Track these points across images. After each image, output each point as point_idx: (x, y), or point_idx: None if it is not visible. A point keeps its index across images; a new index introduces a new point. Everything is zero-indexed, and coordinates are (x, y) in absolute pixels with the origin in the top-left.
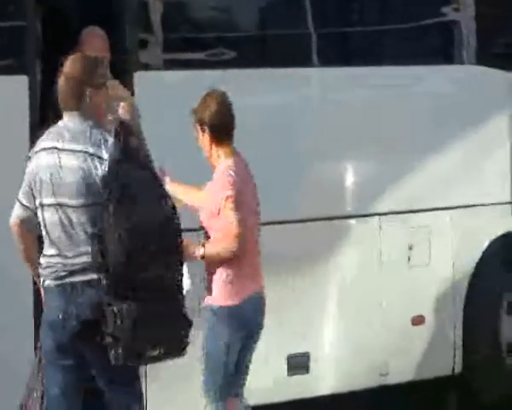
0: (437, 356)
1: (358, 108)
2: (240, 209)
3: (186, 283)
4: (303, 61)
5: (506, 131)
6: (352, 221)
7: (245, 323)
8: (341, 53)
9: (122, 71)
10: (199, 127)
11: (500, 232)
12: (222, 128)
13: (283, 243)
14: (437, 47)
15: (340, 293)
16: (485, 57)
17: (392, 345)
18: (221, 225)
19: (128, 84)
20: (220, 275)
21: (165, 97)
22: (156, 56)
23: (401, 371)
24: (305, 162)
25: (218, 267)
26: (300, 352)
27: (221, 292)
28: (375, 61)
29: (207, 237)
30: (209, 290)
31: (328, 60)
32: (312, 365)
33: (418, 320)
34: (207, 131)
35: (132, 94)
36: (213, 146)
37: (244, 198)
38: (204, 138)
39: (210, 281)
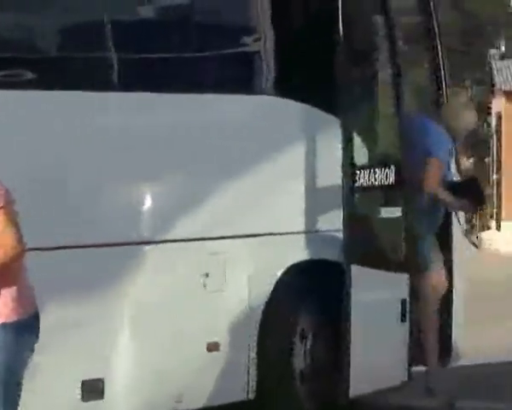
0: (231, 382)
1: (151, 134)
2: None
3: None
4: (100, 85)
5: (299, 161)
6: (149, 247)
7: (27, 340)
8: (134, 78)
9: None
10: None
11: (293, 261)
12: None
13: (80, 267)
14: (233, 76)
15: (135, 318)
16: (281, 88)
17: (187, 371)
18: None
19: None
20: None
21: None
22: None
23: (196, 398)
24: (99, 187)
25: None
26: (95, 377)
27: (5, 308)
28: (168, 88)
29: None
30: None
31: (123, 85)
32: (107, 390)
33: (213, 347)
34: None
35: None
36: None
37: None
38: None
39: None
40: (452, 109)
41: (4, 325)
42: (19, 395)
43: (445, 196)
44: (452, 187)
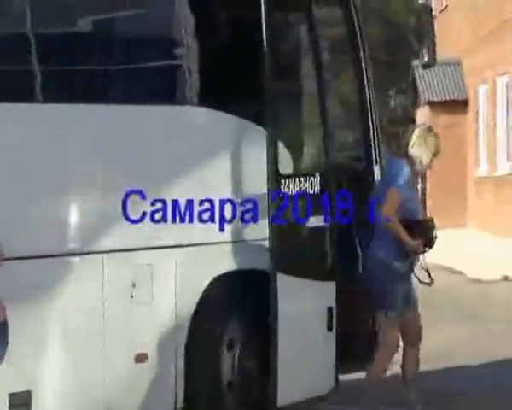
0: (159, 393)
1: (76, 146)
2: None
3: None
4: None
5: (225, 171)
6: (75, 258)
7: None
8: (62, 90)
9: None
10: None
11: (221, 271)
12: None
13: (5, 279)
14: (158, 87)
15: (62, 330)
16: (209, 99)
17: (116, 383)
18: None
19: None
20: None
21: None
22: None
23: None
24: (24, 199)
25: None
26: (22, 390)
27: None
28: (94, 99)
29: None
30: None
31: (47, 97)
32: (35, 403)
33: (141, 358)
34: None
35: None
36: None
37: None
38: None
39: None
40: (415, 140)
41: None
42: None
43: (397, 227)
44: (409, 224)
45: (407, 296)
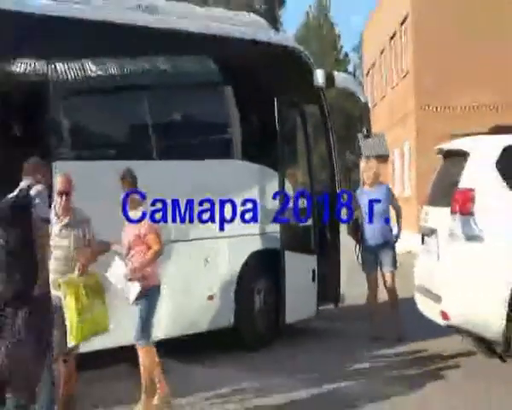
0: (222, 316)
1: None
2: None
3: None
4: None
5: (255, 196)
6: (196, 242)
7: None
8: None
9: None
10: None
11: (254, 250)
12: None
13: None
14: (210, 144)
15: (181, 284)
16: (246, 153)
17: (200, 310)
18: None
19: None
20: None
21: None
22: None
23: (201, 325)
24: None
25: None
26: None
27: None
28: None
29: None
30: None
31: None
32: (156, 323)
33: (210, 297)
34: None
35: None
36: None
37: None
38: None
39: None
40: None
41: (154, 286)
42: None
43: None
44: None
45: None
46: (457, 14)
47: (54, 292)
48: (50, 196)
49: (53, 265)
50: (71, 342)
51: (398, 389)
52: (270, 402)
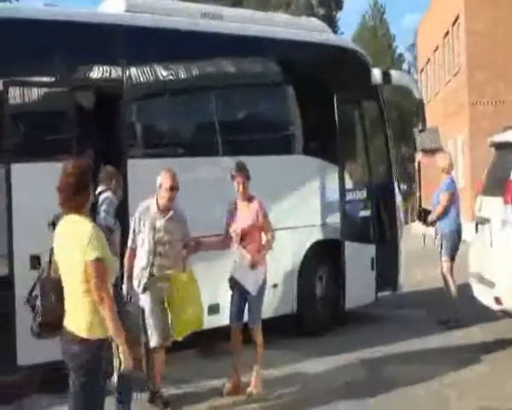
0: (285, 303)
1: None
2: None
3: None
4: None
5: (316, 194)
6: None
7: None
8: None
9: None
10: None
11: (316, 239)
12: None
13: None
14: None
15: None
16: (309, 149)
17: (266, 298)
18: None
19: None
20: None
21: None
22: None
23: (266, 311)
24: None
25: None
26: (214, 303)
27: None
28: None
29: None
30: None
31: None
32: (221, 309)
33: (275, 285)
34: None
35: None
36: None
37: None
38: None
39: None
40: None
41: (266, 271)
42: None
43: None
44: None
45: None
46: (509, 12)
47: (159, 285)
48: (123, 201)
49: (158, 260)
50: (172, 336)
51: (450, 371)
52: (331, 385)
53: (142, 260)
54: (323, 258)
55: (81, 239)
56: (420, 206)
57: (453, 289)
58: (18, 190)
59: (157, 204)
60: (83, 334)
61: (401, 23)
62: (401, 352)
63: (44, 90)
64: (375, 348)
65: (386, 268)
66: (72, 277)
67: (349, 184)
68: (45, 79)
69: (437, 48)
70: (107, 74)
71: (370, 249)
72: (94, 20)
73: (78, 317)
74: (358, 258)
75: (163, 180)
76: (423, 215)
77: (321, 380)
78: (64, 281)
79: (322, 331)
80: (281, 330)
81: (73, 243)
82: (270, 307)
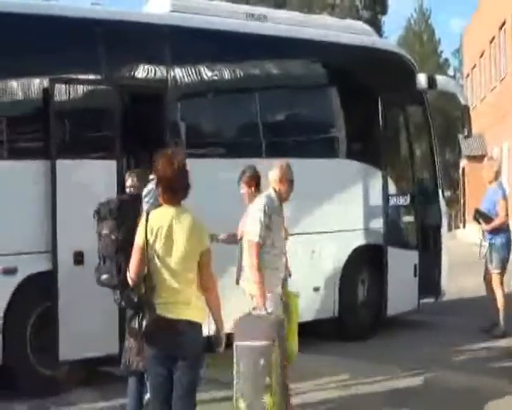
0: (326, 307)
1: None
2: None
3: None
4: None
5: (359, 199)
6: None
7: None
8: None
9: None
10: None
11: (359, 244)
12: None
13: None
14: (317, 144)
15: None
16: (353, 152)
17: (307, 301)
18: None
19: None
20: None
21: None
22: None
23: (308, 314)
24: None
25: None
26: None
27: None
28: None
29: None
30: None
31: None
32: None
33: (316, 289)
34: None
35: None
36: None
37: None
38: None
39: None
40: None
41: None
42: None
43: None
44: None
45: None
46: None
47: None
48: None
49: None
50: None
51: (491, 381)
52: (371, 390)
53: (276, 264)
54: (366, 263)
55: (195, 230)
56: (476, 209)
57: (502, 300)
58: (63, 187)
59: (279, 198)
60: (200, 320)
61: (447, 27)
62: (439, 359)
63: (90, 88)
64: (414, 355)
65: (429, 275)
66: (185, 266)
67: (393, 189)
68: (91, 78)
69: (483, 53)
70: (152, 74)
71: (413, 256)
72: (140, 20)
73: (192, 305)
74: (401, 264)
75: (284, 173)
76: (478, 216)
77: (360, 385)
78: (168, 272)
79: (362, 336)
80: (322, 334)
81: (187, 234)
82: (311, 309)
